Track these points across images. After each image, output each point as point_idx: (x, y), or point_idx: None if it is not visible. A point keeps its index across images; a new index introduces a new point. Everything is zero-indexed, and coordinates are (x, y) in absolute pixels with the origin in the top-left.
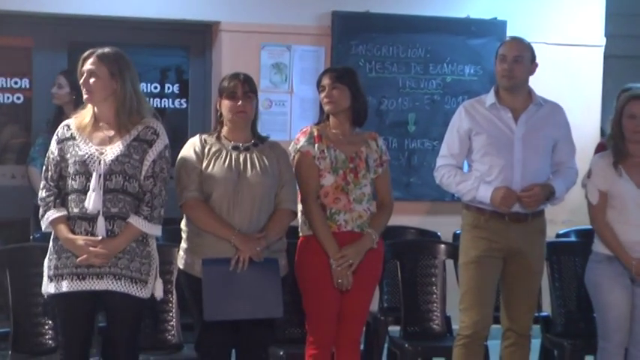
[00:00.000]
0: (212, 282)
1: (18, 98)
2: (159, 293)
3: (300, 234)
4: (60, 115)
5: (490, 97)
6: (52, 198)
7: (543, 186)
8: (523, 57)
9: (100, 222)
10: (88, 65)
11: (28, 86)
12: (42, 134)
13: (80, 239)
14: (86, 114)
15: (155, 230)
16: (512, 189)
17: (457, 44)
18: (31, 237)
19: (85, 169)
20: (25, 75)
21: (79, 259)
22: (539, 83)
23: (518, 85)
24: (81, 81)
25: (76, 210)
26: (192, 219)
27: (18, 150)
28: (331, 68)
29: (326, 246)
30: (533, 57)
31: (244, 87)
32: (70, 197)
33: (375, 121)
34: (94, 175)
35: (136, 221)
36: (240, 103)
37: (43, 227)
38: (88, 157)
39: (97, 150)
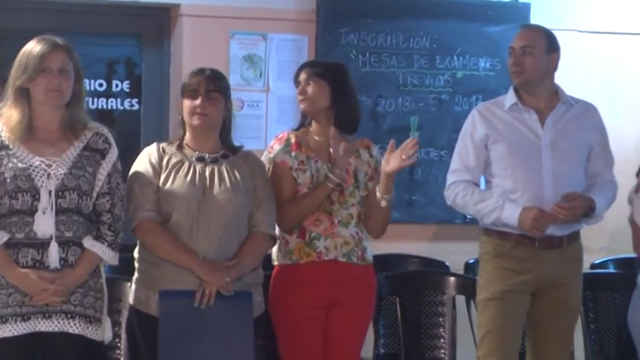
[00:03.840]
0: (170, 320)
1: None
2: (108, 335)
3: (275, 262)
4: None
5: (510, 97)
6: None
7: (584, 198)
8: (534, 47)
9: (53, 249)
10: (58, 61)
11: None
12: None
13: (32, 274)
14: (12, 115)
15: (116, 259)
16: (544, 209)
17: (470, 32)
18: None
19: (29, 184)
20: None
21: (34, 298)
22: (569, 79)
23: (531, 81)
24: (49, 81)
25: (19, 235)
26: (146, 245)
27: None
28: (312, 61)
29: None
30: (553, 47)
31: (208, 85)
32: (8, 220)
33: (369, 126)
34: (43, 192)
35: (98, 249)
36: (198, 102)
37: None
38: (33, 171)
39: (41, 162)
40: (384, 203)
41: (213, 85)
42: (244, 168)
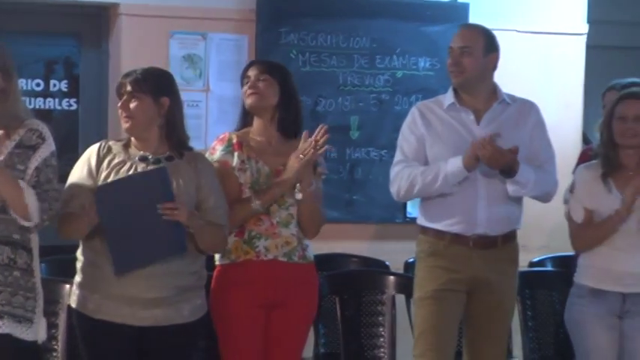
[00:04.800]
0: (105, 206)
1: None
2: (42, 335)
3: (217, 263)
4: None
5: (449, 97)
6: None
7: (513, 156)
8: (472, 48)
9: None
10: None
11: None
12: None
13: None
14: None
15: (34, 210)
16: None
17: (410, 32)
18: None
19: None
20: None
21: None
22: (509, 78)
23: (469, 81)
24: None
25: None
26: (63, 233)
27: None
28: (262, 59)
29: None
30: (491, 47)
31: (129, 86)
32: None
33: (309, 126)
34: None
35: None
36: (119, 105)
37: None
38: None
39: None
40: (298, 196)
41: (135, 86)
42: (188, 170)
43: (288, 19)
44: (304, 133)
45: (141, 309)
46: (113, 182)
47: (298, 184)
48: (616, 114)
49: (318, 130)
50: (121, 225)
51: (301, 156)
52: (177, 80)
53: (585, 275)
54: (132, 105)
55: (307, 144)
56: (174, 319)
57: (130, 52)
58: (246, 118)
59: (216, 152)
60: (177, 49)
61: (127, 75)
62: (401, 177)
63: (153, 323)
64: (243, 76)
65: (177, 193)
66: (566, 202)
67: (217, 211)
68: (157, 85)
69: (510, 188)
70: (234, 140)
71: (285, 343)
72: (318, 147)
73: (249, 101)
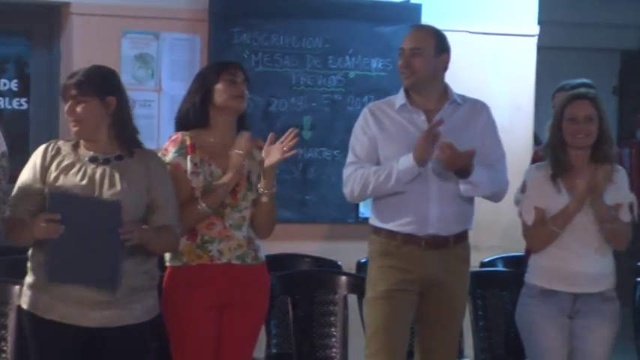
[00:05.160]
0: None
1: None
2: None
3: (167, 264)
4: None
5: (400, 98)
6: None
7: (469, 159)
8: (423, 49)
9: None
10: None
11: None
12: None
13: None
14: None
15: None
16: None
17: (362, 32)
18: None
19: None
20: None
21: None
22: (461, 79)
23: (420, 82)
24: None
25: None
26: (10, 238)
27: None
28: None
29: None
30: (442, 48)
31: (77, 89)
32: None
33: (262, 126)
34: None
35: None
36: (66, 109)
37: None
38: None
39: None
40: (265, 199)
41: (79, 89)
42: (139, 170)
43: (240, 19)
44: (270, 136)
45: (91, 310)
46: (70, 195)
47: (261, 187)
48: (566, 115)
49: (288, 132)
50: (65, 237)
51: (238, 151)
52: (129, 80)
53: (536, 275)
54: (78, 109)
55: (243, 138)
56: (126, 319)
57: (82, 51)
58: (204, 118)
59: (168, 154)
60: (129, 48)
61: (70, 77)
62: (354, 178)
63: (104, 324)
64: (234, 75)
65: (126, 189)
66: (517, 202)
67: (168, 211)
68: (101, 85)
69: (463, 188)
70: (188, 142)
71: (237, 343)
72: (285, 149)
73: (239, 105)
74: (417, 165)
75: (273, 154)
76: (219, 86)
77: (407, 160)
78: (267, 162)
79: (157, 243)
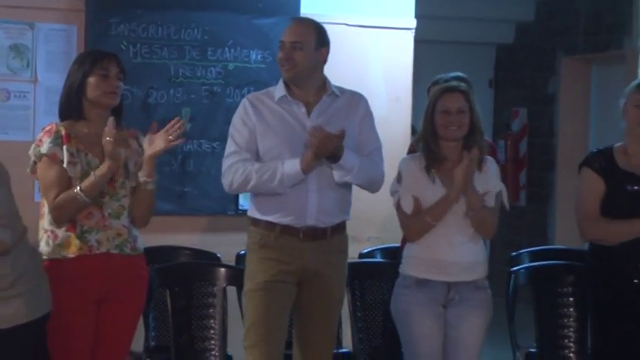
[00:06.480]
0: None
1: None
2: None
3: (44, 257)
4: None
5: (279, 89)
6: None
7: (340, 142)
8: (303, 43)
9: None
10: None
11: None
12: None
13: None
14: None
15: None
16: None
17: (241, 24)
18: None
19: None
20: None
21: None
22: (340, 71)
23: (300, 75)
24: None
25: None
26: None
27: None
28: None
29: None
30: (322, 41)
31: None
32: None
33: (141, 117)
34: None
35: None
36: None
37: None
38: None
39: None
40: (150, 186)
41: None
42: None
43: (118, 10)
44: (152, 124)
45: None
46: None
47: (142, 175)
48: (438, 107)
49: (174, 121)
50: None
51: (108, 138)
52: (3, 71)
53: (410, 266)
54: None
55: (110, 125)
56: None
57: None
58: (78, 110)
59: (43, 144)
60: (3, 38)
61: None
62: (235, 170)
63: None
64: (107, 69)
65: None
66: (392, 193)
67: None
68: None
69: (336, 174)
70: (63, 132)
71: (114, 336)
72: (171, 138)
73: (111, 101)
74: (303, 173)
75: (157, 142)
76: (91, 80)
77: (293, 166)
78: (151, 150)
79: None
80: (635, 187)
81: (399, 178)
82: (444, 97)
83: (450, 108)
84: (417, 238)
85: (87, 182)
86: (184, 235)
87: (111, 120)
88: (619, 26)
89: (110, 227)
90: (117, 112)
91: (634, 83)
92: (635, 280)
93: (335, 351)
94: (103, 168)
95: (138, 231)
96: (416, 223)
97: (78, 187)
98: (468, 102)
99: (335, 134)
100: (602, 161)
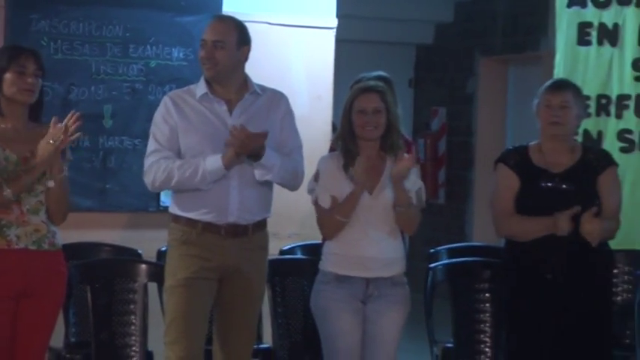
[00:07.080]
0: None
1: None
2: None
3: None
4: None
5: (201, 87)
6: None
7: (261, 142)
8: (225, 42)
9: None
10: None
11: None
12: None
13: None
14: None
15: None
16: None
17: (163, 22)
18: None
19: None
20: None
21: None
22: (261, 69)
23: (222, 74)
24: None
25: None
26: None
27: None
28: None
29: None
30: (244, 40)
31: None
32: None
33: (62, 114)
34: None
35: None
36: None
37: None
38: None
39: None
40: (50, 183)
41: None
42: None
43: (38, 6)
44: (53, 119)
45: None
46: None
47: (48, 172)
48: (355, 107)
49: (69, 116)
50: None
51: (51, 141)
52: None
53: (330, 262)
54: None
55: (57, 130)
56: None
57: None
58: None
59: None
60: None
61: None
62: (157, 168)
63: None
64: (24, 66)
65: None
66: (310, 191)
67: None
68: None
69: (257, 173)
70: None
71: (33, 332)
72: (69, 133)
73: (27, 99)
74: (225, 168)
75: (57, 137)
76: (8, 76)
77: (215, 162)
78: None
79: None
80: (549, 184)
81: (316, 177)
82: (361, 97)
83: (366, 108)
84: (332, 236)
85: (14, 179)
86: (105, 232)
87: (55, 119)
88: (536, 28)
89: (29, 223)
90: (36, 108)
91: (546, 84)
92: (548, 276)
93: (255, 347)
94: (37, 170)
95: (56, 227)
96: (329, 221)
97: (4, 184)
98: (384, 102)
99: (257, 133)
100: (517, 158)
